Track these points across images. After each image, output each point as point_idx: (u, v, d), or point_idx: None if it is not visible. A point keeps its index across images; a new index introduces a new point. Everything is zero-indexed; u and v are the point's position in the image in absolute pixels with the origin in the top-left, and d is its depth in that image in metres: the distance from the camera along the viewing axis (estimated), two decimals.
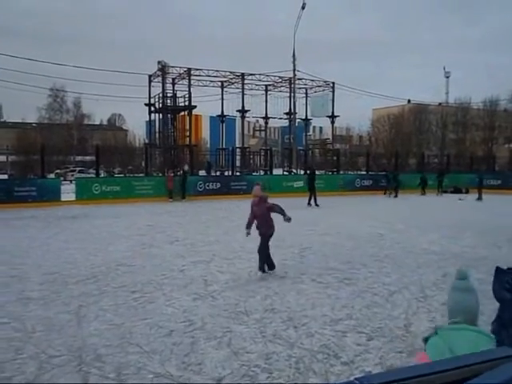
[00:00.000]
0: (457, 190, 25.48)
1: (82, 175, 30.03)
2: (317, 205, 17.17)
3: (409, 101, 47.55)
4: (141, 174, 24.13)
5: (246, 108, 29.67)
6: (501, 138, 44.46)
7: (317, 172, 20.01)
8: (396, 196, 22.47)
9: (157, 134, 29.91)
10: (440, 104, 47.30)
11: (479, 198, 21.18)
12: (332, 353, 4.27)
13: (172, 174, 19.23)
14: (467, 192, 25.43)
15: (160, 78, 27.50)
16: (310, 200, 17.55)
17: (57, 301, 5.68)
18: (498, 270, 2.35)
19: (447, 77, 54.89)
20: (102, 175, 22.49)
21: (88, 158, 38.05)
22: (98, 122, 58.58)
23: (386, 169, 25.85)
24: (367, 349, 4.37)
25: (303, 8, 25.19)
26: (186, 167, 20.38)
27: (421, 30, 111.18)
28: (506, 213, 15.54)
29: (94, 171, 21.61)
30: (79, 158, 41.49)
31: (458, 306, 1.92)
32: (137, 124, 62.38)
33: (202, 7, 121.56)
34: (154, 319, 5.06)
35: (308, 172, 19.56)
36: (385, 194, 22.77)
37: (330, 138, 34.82)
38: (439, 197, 23.09)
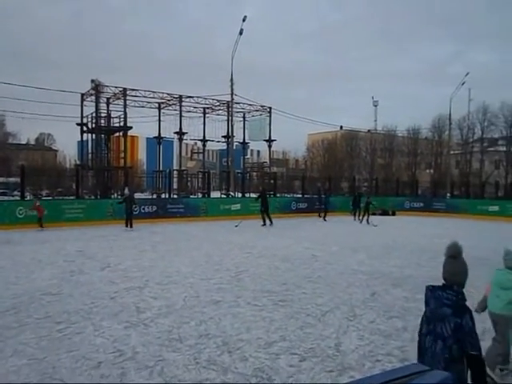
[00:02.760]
0: (384, 213, 26.99)
1: (5, 198, 27.89)
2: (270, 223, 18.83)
3: (341, 127, 50.12)
4: (71, 197, 22.94)
5: (183, 130, 29.55)
6: (423, 164, 48.12)
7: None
8: (325, 218, 22.36)
9: (89, 155, 28.79)
10: (369, 131, 50.36)
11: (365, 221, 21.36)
12: (265, 376, 4.29)
13: (38, 204, 16.52)
14: (394, 214, 27.11)
15: (93, 97, 26.70)
16: (264, 220, 18.84)
17: None
18: (432, 287, 2.73)
19: (375, 105, 58.75)
20: (28, 198, 21.06)
21: (12, 179, 35.53)
22: (24, 142, 55.05)
23: (320, 191, 26.73)
24: (300, 370, 4.45)
25: (241, 34, 25.89)
26: (127, 191, 18.24)
27: (354, 60, 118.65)
28: (427, 234, 16.73)
29: (19, 193, 20.20)
30: (1, 179, 38.59)
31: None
32: (68, 144, 59.62)
33: (142, 26, 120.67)
34: (81, 351, 4.78)
35: (259, 194, 20.07)
36: (319, 216, 23.53)
37: (267, 161, 35.60)
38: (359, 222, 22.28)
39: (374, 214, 25.93)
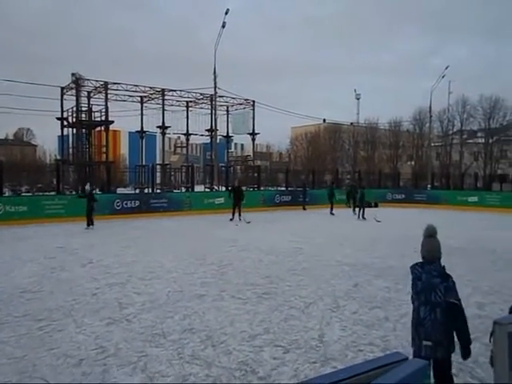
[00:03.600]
0: (367, 205, 27.23)
1: None
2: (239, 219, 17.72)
3: (324, 120, 50.30)
4: (52, 193, 22.53)
5: (166, 124, 29.30)
6: (404, 156, 48.74)
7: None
8: (332, 212, 21.70)
9: (70, 150, 28.28)
10: (351, 124, 50.68)
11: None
12: (249, 369, 4.31)
13: None
14: (376, 206, 27.40)
15: (74, 91, 26.19)
16: (233, 214, 18.12)
17: None
18: (421, 264, 3.30)
19: (358, 98, 59.04)
20: (7, 194, 20.60)
21: None
22: (2, 137, 53.72)
23: (305, 185, 26.85)
24: (283, 362, 4.48)
25: (223, 27, 25.65)
26: (88, 186, 17.08)
27: (336, 54, 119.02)
28: (409, 225, 16.97)
29: None
30: None
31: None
32: (48, 139, 58.43)
33: (124, 20, 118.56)
34: (62, 348, 4.72)
35: (230, 188, 19.76)
36: (304, 209, 23.63)
37: (251, 154, 35.56)
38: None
39: (357, 206, 26.14)
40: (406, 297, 6.76)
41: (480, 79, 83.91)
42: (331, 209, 21.86)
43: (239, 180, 27.32)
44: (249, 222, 16.68)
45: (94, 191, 16.55)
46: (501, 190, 31.79)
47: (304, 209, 23.94)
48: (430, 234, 3.32)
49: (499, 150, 42.28)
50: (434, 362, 3.07)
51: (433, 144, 42.84)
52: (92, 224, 15.32)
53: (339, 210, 21.66)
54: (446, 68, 34.36)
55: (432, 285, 3.11)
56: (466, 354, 3.16)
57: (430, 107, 37.36)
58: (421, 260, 3.33)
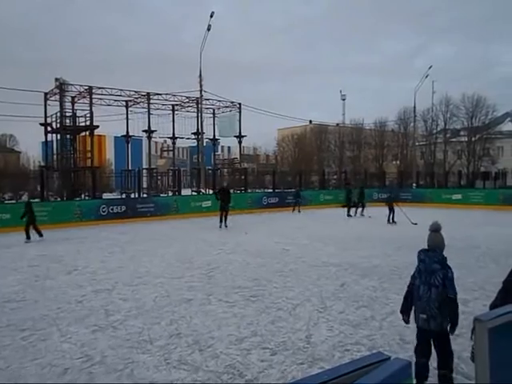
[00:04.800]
0: (354, 204, 27.43)
1: None
2: (226, 225, 16.60)
3: (310, 121, 50.60)
4: (36, 200, 22.20)
5: (152, 128, 29.14)
6: (389, 156, 49.27)
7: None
8: (299, 211, 22.87)
9: (54, 156, 27.91)
10: (337, 124, 51.09)
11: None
12: (237, 372, 4.30)
13: None
14: (363, 205, 27.59)
15: (58, 96, 25.88)
16: (221, 221, 16.54)
17: None
18: (426, 250, 3.87)
19: (343, 99, 59.54)
20: None
21: None
22: None
23: (292, 186, 26.93)
24: (271, 364, 4.48)
25: (209, 30, 25.64)
26: (25, 197, 15.32)
27: (323, 55, 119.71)
28: (393, 224, 17.15)
29: None
30: None
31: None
32: (31, 145, 57.60)
33: (109, 23, 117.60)
34: (47, 358, 4.65)
35: (217, 190, 18.88)
36: (293, 210, 23.69)
37: (238, 157, 35.56)
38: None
39: (343, 206, 26.32)
40: (391, 295, 6.85)
41: (463, 79, 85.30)
42: (349, 210, 21.66)
43: (228, 182, 27.17)
44: (246, 234, 14.99)
45: (32, 203, 14.91)
46: (484, 187, 32.29)
47: (298, 211, 23.30)
48: (435, 229, 3.96)
49: (482, 147, 43.03)
50: (430, 333, 3.76)
51: (417, 143, 43.41)
52: (40, 235, 13.78)
53: (326, 210, 21.76)
54: (430, 68, 34.93)
55: (432, 269, 3.73)
56: (452, 330, 3.79)
57: (415, 107, 37.88)
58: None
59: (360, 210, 21.33)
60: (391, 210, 17.72)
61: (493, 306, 3.37)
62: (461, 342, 4.73)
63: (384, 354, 2.14)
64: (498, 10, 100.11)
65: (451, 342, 3.87)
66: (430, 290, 3.72)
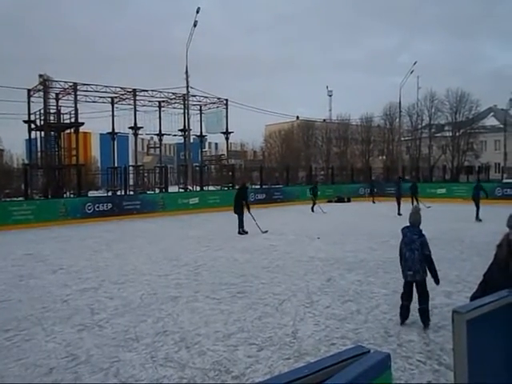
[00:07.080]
0: (340, 199, 27.71)
1: None
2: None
3: (297, 117, 50.68)
4: (20, 198, 21.87)
5: (139, 125, 28.83)
6: (375, 151, 49.63)
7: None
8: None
9: (39, 154, 27.47)
10: (324, 120, 51.23)
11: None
12: (223, 368, 4.31)
13: None
14: (349, 201, 27.85)
15: (41, 93, 25.44)
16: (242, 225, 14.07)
17: None
18: (408, 227, 5.36)
19: (330, 95, 59.68)
20: None
21: None
22: None
23: (279, 182, 27.02)
24: (258, 359, 4.51)
25: (195, 26, 25.47)
26: None
27: (309, 51, 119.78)
28: (380, 218, 17.34)
29: None
30: None
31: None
32: (14, 143, 56.63)
33: (93, 19, 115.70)
34: (31, 358, 4.60)
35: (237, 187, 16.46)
36: (373, 202, 23.85)
37: (225, 153, 35.48)
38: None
39: (330, 201, 26.46)
40: (377, 289, 6.94)
41: (446, 73, 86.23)
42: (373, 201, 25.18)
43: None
44: (266, 232, 13.72)
45: None
46: (467, 181, 32.78)
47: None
48: (415, 212, 5.44)
49: (466, 142, 43.58)
50: (415, 283, 5.24)
51: (403, 138, 43.78)
52: None
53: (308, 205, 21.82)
54: (414, 63, 35.19)
55: (412, 239, 5.20)
56: (436, 281, 5.20)
57: (400, 102, 38.21)
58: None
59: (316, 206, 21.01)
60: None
61: (473, 298, 3.44)
62: (443, 334, 4.83)
63: (364, 348, 2.17)
64: (481, 6, 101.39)
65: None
66: (414, 253, 5.13)
